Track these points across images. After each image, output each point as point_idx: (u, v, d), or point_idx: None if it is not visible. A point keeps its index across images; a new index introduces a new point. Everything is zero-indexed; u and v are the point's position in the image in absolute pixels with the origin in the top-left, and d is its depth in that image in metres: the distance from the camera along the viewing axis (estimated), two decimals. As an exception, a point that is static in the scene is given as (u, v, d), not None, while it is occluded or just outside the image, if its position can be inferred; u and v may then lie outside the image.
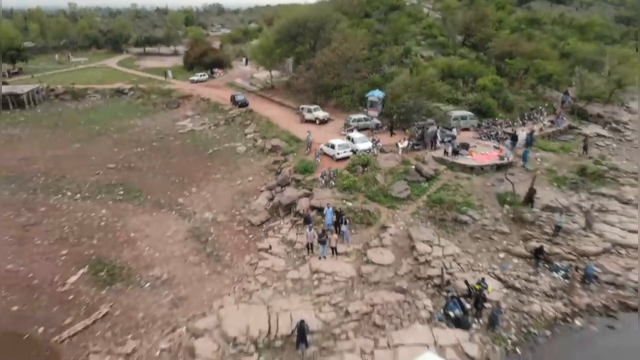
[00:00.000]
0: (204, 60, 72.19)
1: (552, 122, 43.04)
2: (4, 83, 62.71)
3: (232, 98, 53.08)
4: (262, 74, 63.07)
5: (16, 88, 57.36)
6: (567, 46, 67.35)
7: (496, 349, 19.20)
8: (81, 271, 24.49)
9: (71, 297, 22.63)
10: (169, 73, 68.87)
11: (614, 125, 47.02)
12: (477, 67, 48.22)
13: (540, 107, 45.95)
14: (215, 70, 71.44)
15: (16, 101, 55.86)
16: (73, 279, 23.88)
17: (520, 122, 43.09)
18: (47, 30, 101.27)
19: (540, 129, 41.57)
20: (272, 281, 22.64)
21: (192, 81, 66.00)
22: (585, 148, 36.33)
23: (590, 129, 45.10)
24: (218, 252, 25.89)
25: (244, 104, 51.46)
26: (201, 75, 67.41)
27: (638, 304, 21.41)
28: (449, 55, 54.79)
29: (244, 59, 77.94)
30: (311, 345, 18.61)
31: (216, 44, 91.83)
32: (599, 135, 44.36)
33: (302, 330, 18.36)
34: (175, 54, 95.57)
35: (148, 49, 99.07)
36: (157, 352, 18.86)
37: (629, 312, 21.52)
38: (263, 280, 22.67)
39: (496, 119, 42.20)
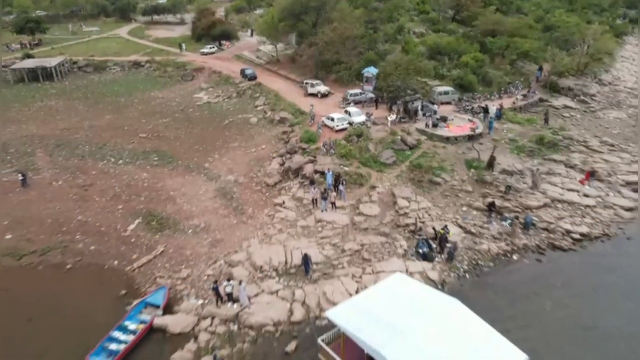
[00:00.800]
0: (212, 32, 76.80)
1: (524, 95, 49.13)
2: (29, 56, 68.06)
3: (242, 72, 58.63)
4: (267, 47, 68.18)
5: (44, 61, 62.71)
6: (553, 19, 72.16)
7: (451, 275, 26.35)
8: (137, 221, 31.49)
9: (133, 239, 29.72)
10: (184, 46, 73.50)
11: (582, 97, 53.08)
12: (462, 45, 53.72)
13: (516, 82, 51.85)
14: (224, 42, 76.18)
15: (45, 74, 61.49)
16: (132, 226, 30.94)
17: (498, 95, 49.15)
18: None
19: (514, 102, 47.79)
20: (286, 228, 29.68)
21: (203, 53, 70.99)
22: (546, 120, 42.61)
23: (560, 101, 51.25)
24: (242, 206, 32.83)
25: (252, 77, 57.08)
26: (210, 48, 72.33)
27: None
28: (438, 31, 60.00)
29: (249, 30, 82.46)
30: (316, 272, 25.77)
31: (219, 11, 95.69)
32: (566, 107, 50.55)
33: (306, 260, 25.44)
34: (182, 22, 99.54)
35: (155, 17, 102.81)
36: (205, 277, 26.02)
37: (555, 250, 28.64)
38: (279, 227, 29.73)
39: (476, 93, 48.29)
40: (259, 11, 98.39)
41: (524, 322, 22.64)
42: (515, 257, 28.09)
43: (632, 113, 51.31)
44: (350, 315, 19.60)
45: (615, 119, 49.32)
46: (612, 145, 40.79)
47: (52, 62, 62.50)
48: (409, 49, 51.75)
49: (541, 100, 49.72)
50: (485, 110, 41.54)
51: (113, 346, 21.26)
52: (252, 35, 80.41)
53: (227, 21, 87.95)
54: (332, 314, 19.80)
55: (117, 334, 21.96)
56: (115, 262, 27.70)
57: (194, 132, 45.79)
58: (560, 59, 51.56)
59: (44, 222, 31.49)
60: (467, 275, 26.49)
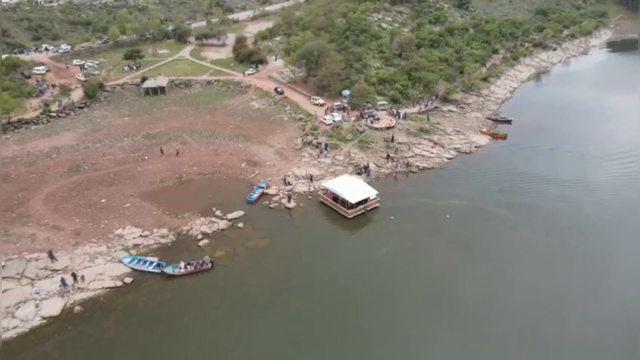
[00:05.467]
0: (251, 58, 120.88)
1: (426, 105, 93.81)
2: (145, 77, 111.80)
3: (275, 89, 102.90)
4: (288, 72, 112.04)
5: (159, 82, 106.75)
6: (466, 52, 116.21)
7: (367, 180, 71.33)
8: (244, 163, 76.32)
9: (244, 170, 74.63)
10: (246, 72, 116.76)
11: (461, 105, 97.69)
12: (397, 76, 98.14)
13: (425, 97, 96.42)
14: (259, 65, 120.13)
15: (160, 89, 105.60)
16: (242, 165, 75.79)
17: (412, 105, 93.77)
18: (133, 26, 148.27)
19: (419, 109, 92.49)
20: (306, 164, 74.79)
21: (248, 74, 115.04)
22: (427, 118, 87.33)
23: (447, 108, 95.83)
24: (287, 157, 77.74)
25: (282, 93, 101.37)
26: (252, 70, 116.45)
27: None
28: (388, 65, 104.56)
29: (274, 56, 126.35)
30: (317, 178, 70.85)
31: (245, 32, 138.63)
32: (450, 111, 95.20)
33: (311, 176, 70.62)
34: (224, 45, 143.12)
35: (205, 41, 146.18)
36: (277, 179, 71.10)
37: (411, 173, 73.56)
38: (303, 164, 74.87)
39: (400, 104, 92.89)
40: (277, 38, 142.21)
41: (391, 193, 67.72)
42: (395, 175, 73.18)
43: (487, 114, 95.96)
44: (330, 184, 65.27)
45: (475, 117, 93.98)
46: (458, 131, 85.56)
47: (163, 82, 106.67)
48: (368, 79, 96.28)
49: (436, 107, 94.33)
50: (397, 113, 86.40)
51: (251, 197, 66.34)
52: (276, 59, 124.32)
53: (258, 47, 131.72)
54: (325, 184, 65.66)
55: (252, 193, 67.12)
56: (241, 177, 72.64)
57: (255, 125, 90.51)
58: (446, 87, 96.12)
59: (205, 163, 76.29)
60: (374, 181, 71.51)
